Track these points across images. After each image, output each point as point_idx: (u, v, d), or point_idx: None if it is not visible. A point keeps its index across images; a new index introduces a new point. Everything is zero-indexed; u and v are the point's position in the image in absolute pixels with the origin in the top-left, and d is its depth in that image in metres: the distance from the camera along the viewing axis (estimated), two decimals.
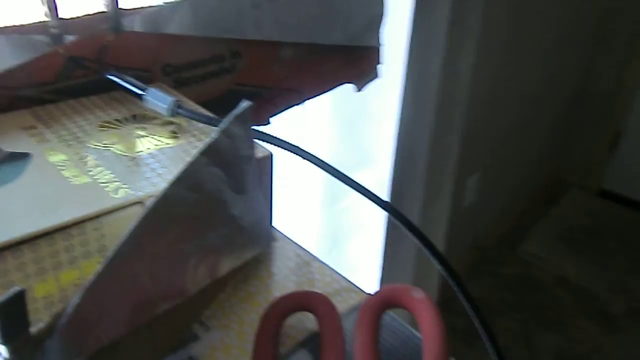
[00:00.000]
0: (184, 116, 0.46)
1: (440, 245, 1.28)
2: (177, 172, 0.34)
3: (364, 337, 0.34)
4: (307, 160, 0.45)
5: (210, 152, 0.37)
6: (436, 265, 0.40)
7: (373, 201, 0.43)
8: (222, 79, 0.63)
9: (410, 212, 1.09)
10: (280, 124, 0.71)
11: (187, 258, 0.36)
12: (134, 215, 0.37)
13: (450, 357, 0.33)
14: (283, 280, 0.43)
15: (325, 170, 0.44)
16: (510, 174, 1.83)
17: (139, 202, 0.37)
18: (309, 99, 0.73)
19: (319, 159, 0.44)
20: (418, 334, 0.38)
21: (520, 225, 2.01)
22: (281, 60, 0.68)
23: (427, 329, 0.34)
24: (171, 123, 0.47)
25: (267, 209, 0.45)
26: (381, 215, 1.02)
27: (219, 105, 0.51)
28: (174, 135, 0.46)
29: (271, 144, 0.45)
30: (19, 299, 0.24)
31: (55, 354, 0.27)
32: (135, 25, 0.54)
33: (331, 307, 0.37)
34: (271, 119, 0.70)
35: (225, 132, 0.38)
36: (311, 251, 0.46)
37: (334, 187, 0.94)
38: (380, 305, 0.36)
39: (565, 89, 1.96)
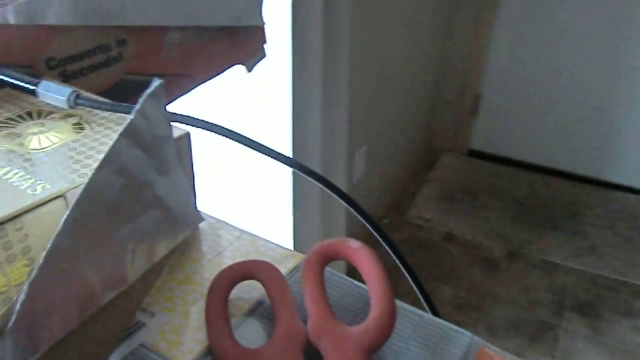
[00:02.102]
0: (86, 106, 0.44)
1: (341, 222, 1.33)
2: (102, 158, 0.33)
3: (312, 289, 0.36)
4: (222, 135, 0.45)
5: (129, 134, 0.36)
6: (353, 212, 0.43)
7: (282, 162, 0.44)
8: (111, 69, 0.60)
9: (311, 192, 1.12)
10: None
11: (124, 244, 0.35)
12: (57, 211, 0.36)
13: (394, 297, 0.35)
14: (217, 258, 0.43)
15: (241, 143, 0.45)
16: (392, 144, 1.94)
17: (59, 197, 0.35)
18: (201, 83, 0.72)
19: (232, 131, 0.45)
20: (359, 284, 0.40)
21: (406, 192, 2.13)
22: (169, 46, 0.66)
23: (370, 273, 0.36)
24: (71, 115, 0.45)
25: (191, 189, 0.44)
26: (288, 176, 1.04)
27: (110, 98, 0.49)
28: (79, 127, 0.44)
29: (182, 123, 0.44)
30: None
31: (9, 355, 0.25)
32: (9, 17, 0.50)
33: (274, 270, 0.38)
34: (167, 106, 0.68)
35: (141, 112, 0.37)
36: (238, 226, 0.47)
37: (238, 159, 0.93)
38: (321, 259, 0.38)
39: (429, 58, 2.10)
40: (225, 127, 0.46)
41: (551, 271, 1.74)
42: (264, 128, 1.00)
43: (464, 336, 0.35)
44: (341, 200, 0.44)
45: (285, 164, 0.46)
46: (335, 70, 1.06)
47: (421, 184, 2.19)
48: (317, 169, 1.10)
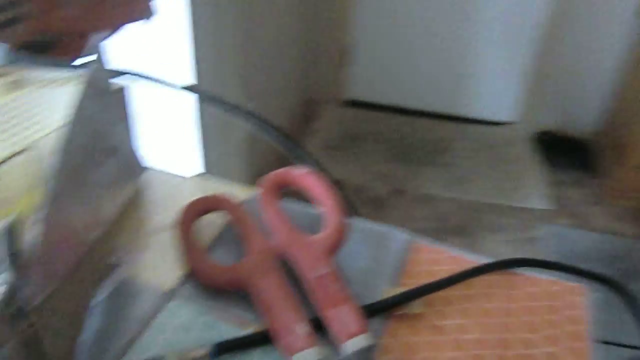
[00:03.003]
0: (23, 63, 0.45)
1: (243, 142, 1.38)
2: (72, 109, 0.35)
3: (274, 212, 0.41)
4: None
5: (91, 86, 0.38)
6: (262, 131, 0.49)
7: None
8: (20, 27, 0.59)
9: (213, 149, 1.15)
10: None
11: (95, 189, 0.38)
12: (28, 161, 0.38)
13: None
14: (171, 200, 0.47)
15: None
16: (274, 101, 1.99)
17: (26, 150, 0.37)
18: (107, 37, 0.72)
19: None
20: (305, 205, 0.46)
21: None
22: (67, 2, 0.66)
23: (320, 193, 0.43)
24: (3, 75, 0.45)
25: (134, 139, 0.48)
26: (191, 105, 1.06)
27: None
28: (17, 86, 0.45)
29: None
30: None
31: (33, 283, 0.29)
32: None
33: (234, 201, 0.43)
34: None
35: (96, 66, 0.39)
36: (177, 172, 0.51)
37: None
38: (274, 187, 0.44)
39: (299, 13, 2.16)
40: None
41: (430, 202, 1.94)
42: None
43: (399, 234, 0.44)
44: (251, 119, 0.49)
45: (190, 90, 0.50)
46: (223, 35, 1.08)
47: (305, 137, 2.28)
48: (214, 125, 1.14)
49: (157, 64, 0.98)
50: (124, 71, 0.46)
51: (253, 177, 1.90)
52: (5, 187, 0.36)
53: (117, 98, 0.45)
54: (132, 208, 0.45)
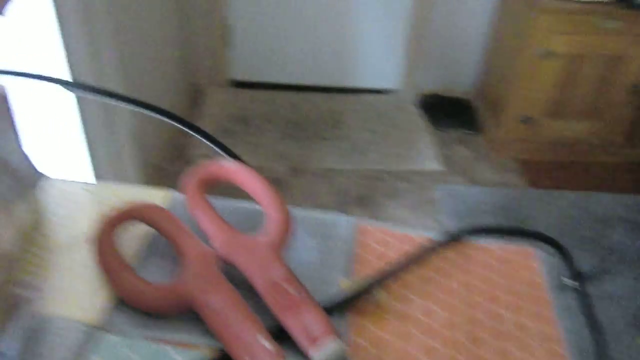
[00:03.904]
0: None
1: (128, 135, 1.28)
2: None
3: (206, 213, 0.37)
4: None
5: None
6: (144, 111, 0.44)
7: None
8: None
9: (100, 148, 1.04)
10: None
11: None
12: None
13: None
14: (74, 214, 0.40)
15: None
16: (157, 90, 1.87)
17: None
18: None
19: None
20: (234, 200, 0.42)
21: (182, 134, 2.10)
22: None
23: (255, 187, 0.38)
24: None
25: (22, 147, 0.40)
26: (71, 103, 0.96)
27: None
28: None
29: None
30: None
31: None
32: None
33: (157, 207, 0.37)
34: None
35: None
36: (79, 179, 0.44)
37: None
38: (201, 184, 0.39)
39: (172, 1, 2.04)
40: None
41: (329, 176, 1.94)
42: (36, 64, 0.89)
43: (342, 218, 0.41)
44: (132, 104, 0.44)
45: (73, 86, 0.44)
46: (96, 30, 0.98)
47: (194, 122, 2.18)
48: (99, 126, 1.03)
49: (26, 62, 0.86)
50: None
51: (147, 177, 1.80)
52: None
53: None
54: (33, 226, 0.38)
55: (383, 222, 0.41)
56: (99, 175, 1.08)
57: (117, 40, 1.24)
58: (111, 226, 0.36)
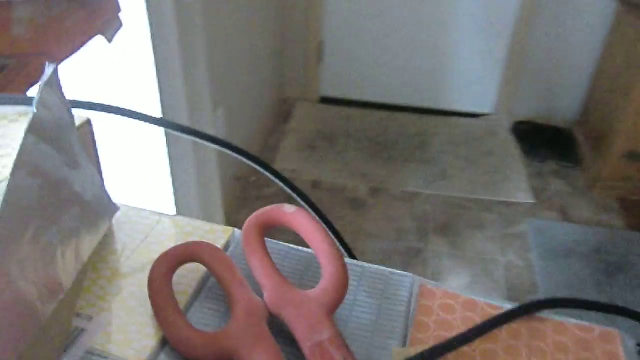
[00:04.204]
0: None
1: (215, 182, 1.31)
2: (14, 161, 0.29)
3: (261, 261, 0.36)
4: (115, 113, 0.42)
5: (35, 129, 0.32)
6: (233, 154, 0.43)
7: (152, 122, 0.43)
8: None
9: (185, 152, 1.08)
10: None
11: (53, 248, 0.32)
12: None
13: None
14: (142, 246, 0.41)
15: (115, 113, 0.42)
16: (247, 102, 1.92)
17: None
18: (63, 60, 0.65)
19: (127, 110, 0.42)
20: (295, 247, 0.41)
21: (268, 147, 2.15)
22: (19, 22, 0.59)
23: (312, 235, 0.37)
24: None
25: (101, 179, 0.41)
26: (160, 143, 1.00)
27: None
28: None
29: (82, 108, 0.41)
30: None
31: None
32: None
33: (215, 248, 0.37)
34: (28, 92, 0.61)
35: (42, 103, 0.33)
36: (153, 210, 0.45)
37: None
38: (259, 229, 0.38)
39: (270, 14, 2.09)
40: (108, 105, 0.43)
41: (411, 200, 1.90)
42: (133, 98, 0.94)
43: (405, 277, 0.38)
44: (224, 148, 0.44)
45: (156, 124, 0.44)
46: (190, 35, 1.02)
47: (281, 137, 2.22)
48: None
49: (115, 79, 0.91)
50: (84, 103, 0.40)
51: (228, 215, 1.85)
52: None
53: (81, 134, 0.39)
54: (94, 262, 0.39)
55: (449, 286, 0.38)
56: (180, 208, 1.12)
57: (210, 52, 1.27)
58: (166, 265, 0.36)
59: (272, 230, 0.39)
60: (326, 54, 2.38)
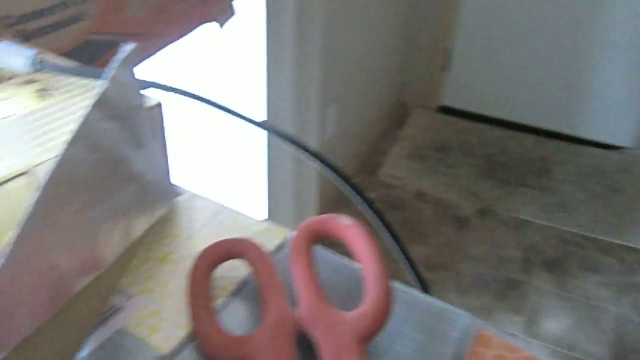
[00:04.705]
0: (51, 70, 0.40)
1: (312, 179, 1.31)
2: (72, 132, 0.29)
3: (302, 271, 0.34)
4: (196, 99, 0.42)
5: (102, 105, 0.32)
6: (329, 175, 0.41)
7: (256, 125, 0.42)
8: (73, 28, 0.55)
9: (283, 155, 1.09)
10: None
11: (99, 224, 0.32)
12: (21, 188, 0.32)
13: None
14: (197, 235, 0.40)
15: (215, 107, 0.42)
16: (362, 102, 1.91)
17: (22, 174, 0.32)
18: (171, 42, 0.67)
19: (205, 98, 0.42)
20: (348, 261, 0.38)
21: (377, 151, 2.12)
22: (134, 3, 0.61)
23: (363, 253, 0.34)
24: (33, 81, 0.41)
25: (165, 162, 0.41)
26: (263, 140, 1.01)
27: (74, 60, 0.45)
28: (41, 94, 0.40)
29: (154, 89, 0.41)
30: None
31: None
32: None
33: (261, 249, 0.35)
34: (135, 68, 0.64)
35: (114, 80, 0.33)
36: (214, 195, 0.44)
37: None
38: (310, 237, 0.36)
39: (399, 12, 2.05)
40: (197, 93, 0.43)
41: (520, 228, 1.77)
42: (238, 87, 0.96)
43: (462, 317, 0.34)
44: (317, 161, 0.41)
45: (259, 127, 0.43)
46: (307, 28, 1.02)
47: (392, 142, 2.18)
48: (289, 128, 1.07)
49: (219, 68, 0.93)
50: (158, 84, 0.40)
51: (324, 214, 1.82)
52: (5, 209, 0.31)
53: (150, 116, 0.39)
54: (148, 243, 0.39)
55: (509, 335, 0.33)
56: (272, 211, 1.12)
57: (326, 48, 1.27)
58: (208, 260, 0.35)
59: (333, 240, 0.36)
60: (453, 62, 2.30)
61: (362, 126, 1.97)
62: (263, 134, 1.02)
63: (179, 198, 0.44)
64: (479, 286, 1.57)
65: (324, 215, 0.37)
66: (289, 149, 1.08)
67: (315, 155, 0.41)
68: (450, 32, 2.22)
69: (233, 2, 0.82)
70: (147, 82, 0.40)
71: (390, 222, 1.69)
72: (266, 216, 1.12)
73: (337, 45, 1.48)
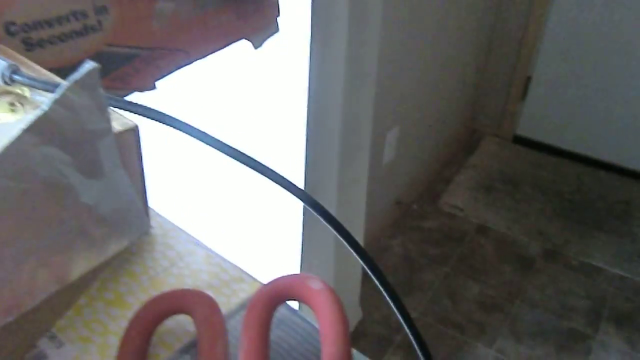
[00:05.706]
0: (24, 84, 0.37)
1: (362, 203, 1.24)
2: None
3: (250, 342, 0.28)
4: (183, 131, 0.37)
5: (39, 129, 0.29)
6: (358, 259, 0.34)
7: (287, 189, 0.35)
8: (87, 39, 0.53)
9: (329, 172, 1.03)
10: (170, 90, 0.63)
11: (20, 263, 0.28)
12: None
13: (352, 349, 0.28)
14: (161, 275, 0.36)
15: (216, 148, 0.36)
16: (427, 126, 1.83)
17: None
18: (198, 59, 0.64)
19: (203, 132, 0.37)
20: (314, 328, 0.32)
21: (440, 178, 2.02)
22: (160, 16, 0.59)
23: (325, 320, 0.28)
24: (9, 93, 0.38)
25: (138, 192, 0.37)
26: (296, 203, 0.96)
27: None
28: (11, 107, 0.37)
29: (140, 114, 0.37)
30: None
31: None
32: None
33: (212, 307, 0.30)
34: (157, 83, 0.61)
35: (61, 103, 0.30)
36: (199, 237, 0.40)
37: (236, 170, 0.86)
38: (272, 299, 0.30)
39: (475, 38, 1.96)
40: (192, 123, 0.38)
41: (591, 275, 1.61)
42: (272, 111, 0.92)
43: None
44: (351, 251, 0.33)
45: (295, 195, 0.33)
46: (362, 44, 0.96)
47: (458, 170, 2.07)
48: (337, 156, 1.02)
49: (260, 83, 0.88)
50: (145, 108, 0.36)
51: (377, 238, 1.73)
52: None
53: (122, 141, 0.35)
54: (104, 279, 0.35)
55: None
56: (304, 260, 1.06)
57: (388, 63, 1.21)
58: (152, 312, 0.30)
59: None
60: (531, 91, 2.16)
61: (426, 151, 1.89)
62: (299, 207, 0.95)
63: (155, 232, 0.39)
64: (537, 335, 1.44)
65: (294, 275, 0.31)
66: (334, 137, 1.00)
67: (346, 235, 0.32)
68: (533, 59, 2.09)
69: (278, 18, 0.78)
70: (126, 103, 0.36)
71: (446, 254, 1.58)
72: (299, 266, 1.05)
73: (396, 65, 1.41)
